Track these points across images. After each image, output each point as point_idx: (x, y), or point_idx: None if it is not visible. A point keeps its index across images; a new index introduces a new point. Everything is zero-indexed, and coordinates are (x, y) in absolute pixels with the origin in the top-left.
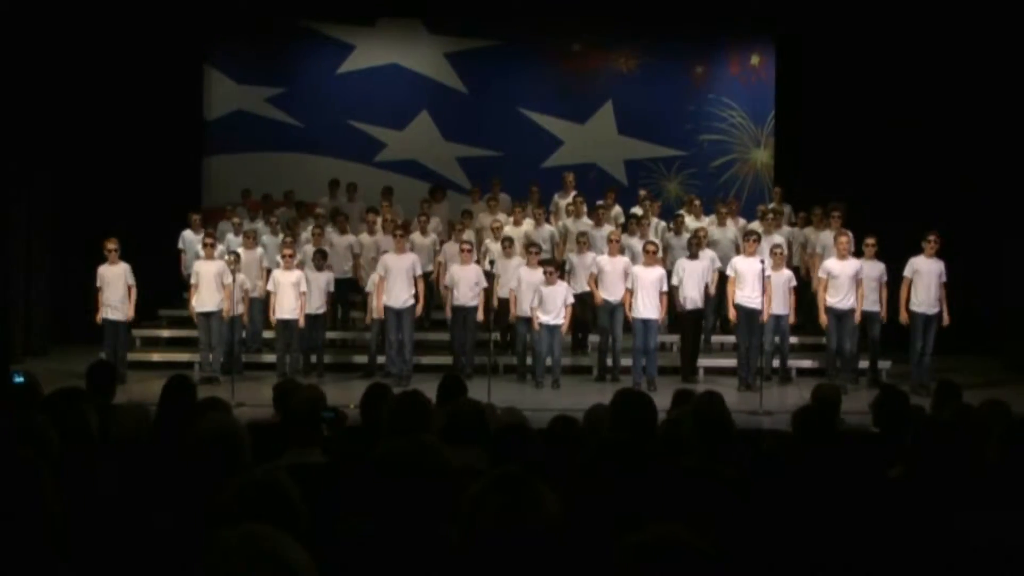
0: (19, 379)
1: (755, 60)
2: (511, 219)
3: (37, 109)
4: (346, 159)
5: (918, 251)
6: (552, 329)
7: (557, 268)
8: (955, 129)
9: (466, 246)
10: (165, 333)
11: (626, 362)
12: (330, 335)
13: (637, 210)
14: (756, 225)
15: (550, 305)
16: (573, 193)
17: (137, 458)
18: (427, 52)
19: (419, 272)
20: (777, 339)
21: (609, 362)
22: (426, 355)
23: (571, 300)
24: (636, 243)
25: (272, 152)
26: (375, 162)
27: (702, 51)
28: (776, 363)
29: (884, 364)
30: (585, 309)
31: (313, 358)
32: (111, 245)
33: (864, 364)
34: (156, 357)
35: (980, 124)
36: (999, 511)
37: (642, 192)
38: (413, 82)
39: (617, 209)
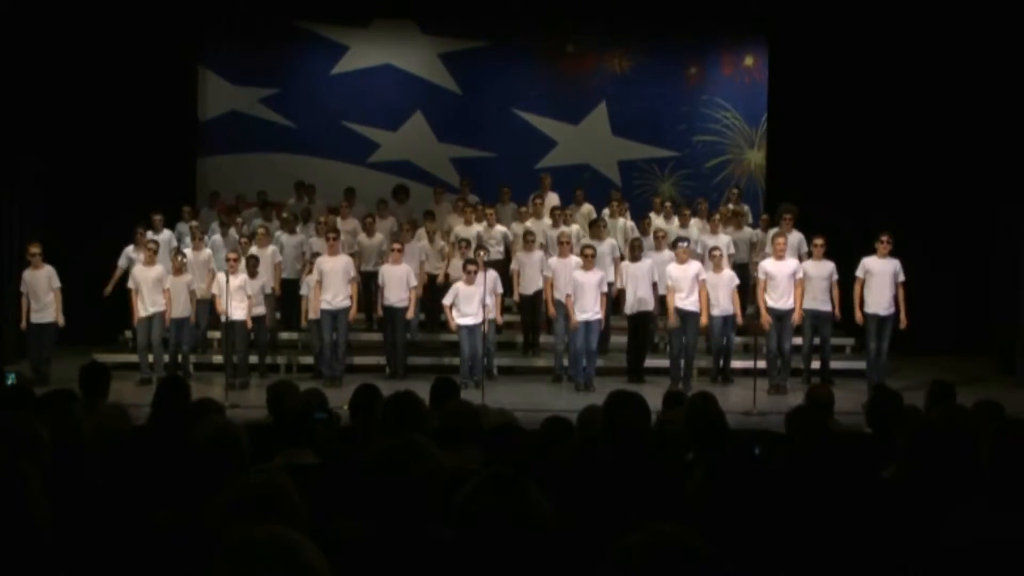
0: (11, 379)
1: (749, 61)
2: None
3: (30, 110)
4: (339, 160)
5: (896, 251)
6: (472, 329)
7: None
8: (950, 130)
9: (396, 245)
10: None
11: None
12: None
13: (606, 211)
14: (696, 228)
15: (466, 306)
16: (552, 196)
17: (129, 457)
18: (421, 53)
19: (352, 274)
20: (724, 340)
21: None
22: (416, 356)
23: (488, 300)
24: (601, 246)
25: (266, 153)
26: (369, 163)
27: (696, 52)
28: (720, 363)
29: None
30: (535, 311)
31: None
32: (34, 249)
33: (814, 365)
34: (149, 358)
35: (975, 125)
36: (992, 511)
37: (615, 193)
38: (407, 83)
39: (588, 207)
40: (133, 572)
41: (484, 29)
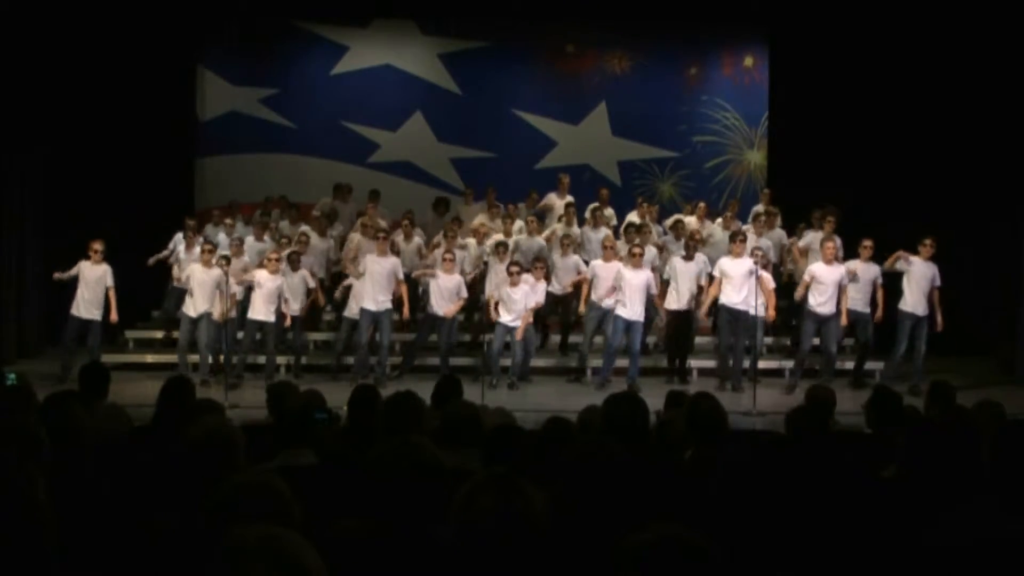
0: (12, 380)
1: (748, 61)
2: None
3: (30, 110)
4: (339, 160)
5: (913, 253)
6: (511, 330)
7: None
8: (949, 130)
9: (448, 256)
10: (159, 334)
11: (620, 363)
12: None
13: (635, 217)
14: (747, 227)
15: (512, 306)
16: (569, 198)
17: (129, 457)
18: (420, 53)
19: (400, 276)
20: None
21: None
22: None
23: (532, 303)
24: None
25: (265, 153)
26: (368, 163)
27: (695, 52)
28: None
29: (876, 365)
30: (568, 311)
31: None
32: (97, 246)
33: (848, 365)
34: (150, 359)
35: (973, 126)
36: (991, 512)
37: (639, 199)
38: (406, 83)
39: (609, 211)
40: (131, 572)
41: (484, 29)
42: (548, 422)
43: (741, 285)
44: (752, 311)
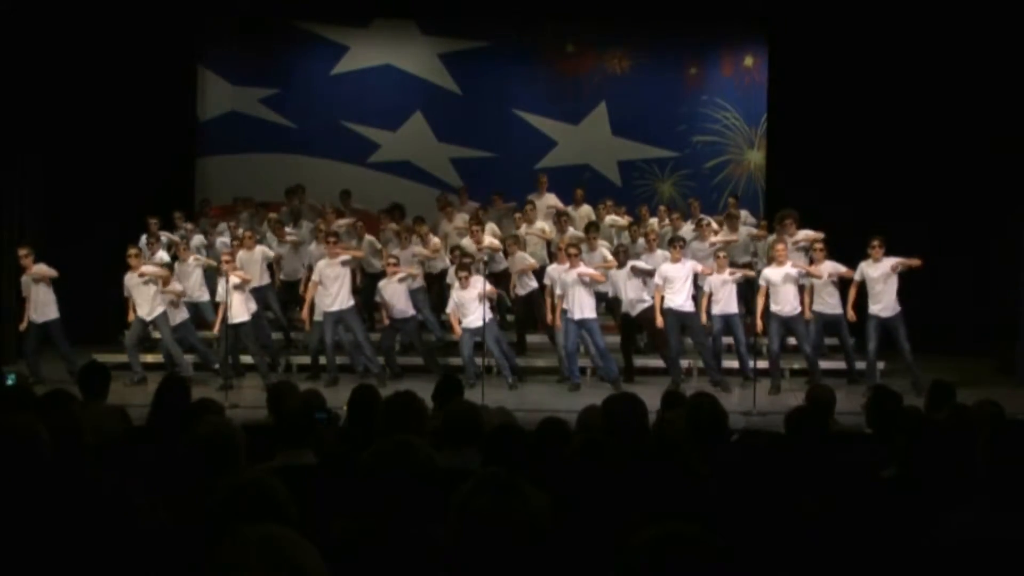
0: (11, 380)
1: (748, 61)
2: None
3: (30, 110)
4: (339, 160)
5: (895, 252)
6: (474, 332)
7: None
8: (949, 130)
9: (391, 260)
10: (157, 335)
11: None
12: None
13: (620, 220)
14: (687, 231)
15: (467, 308)
16: (528, 201)
17: (128, 457)
18: (421, 53)
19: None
20: (730, 339)
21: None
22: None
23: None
24: (593, 255)
25: (265, 153)
26: (368, 163)
27: (695, 52)
28: (735, 364)
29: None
30: (531, 309)
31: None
32: (22, 251)
33: (841, 365)
34: (149, 359)
35: (973, 126)
36: (991, 512)
37: (608, 202)
38: (406, 83)
39: (586, 208)
40: (131, 573)
41: (484, 29)
42: (543, 423)
43: (680, 288)
44: (690, 312)
